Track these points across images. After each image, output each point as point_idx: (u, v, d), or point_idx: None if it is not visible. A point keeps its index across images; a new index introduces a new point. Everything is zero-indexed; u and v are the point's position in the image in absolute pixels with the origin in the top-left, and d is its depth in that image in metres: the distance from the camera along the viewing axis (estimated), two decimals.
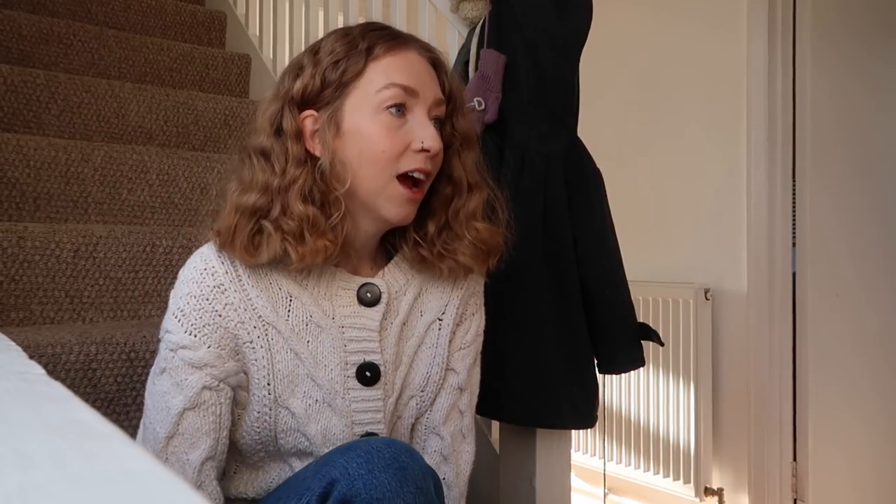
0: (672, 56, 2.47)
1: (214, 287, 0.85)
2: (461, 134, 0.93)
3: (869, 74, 2.48)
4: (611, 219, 1.22)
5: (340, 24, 1.87)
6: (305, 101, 0.87)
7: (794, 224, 2.30)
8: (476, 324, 1.00)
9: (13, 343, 0.62)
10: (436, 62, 0.91)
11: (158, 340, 0.88)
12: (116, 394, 1.18)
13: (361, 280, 0.91)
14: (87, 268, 1.35)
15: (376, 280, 0.92)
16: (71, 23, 2.01)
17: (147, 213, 1.62)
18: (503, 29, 1.23)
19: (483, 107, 1.20)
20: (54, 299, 1.32)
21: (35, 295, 1.30)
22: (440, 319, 0.96)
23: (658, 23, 2.52)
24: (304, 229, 0.82)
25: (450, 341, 0.97)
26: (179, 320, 0.85)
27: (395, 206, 0.87)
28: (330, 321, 0.88)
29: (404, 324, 0.93)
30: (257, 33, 2.36)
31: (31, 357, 0.52)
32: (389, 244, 0.96)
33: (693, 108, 2.42)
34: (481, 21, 1.28)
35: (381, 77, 0.86)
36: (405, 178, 0.86)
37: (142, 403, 1.20)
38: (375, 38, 0.88)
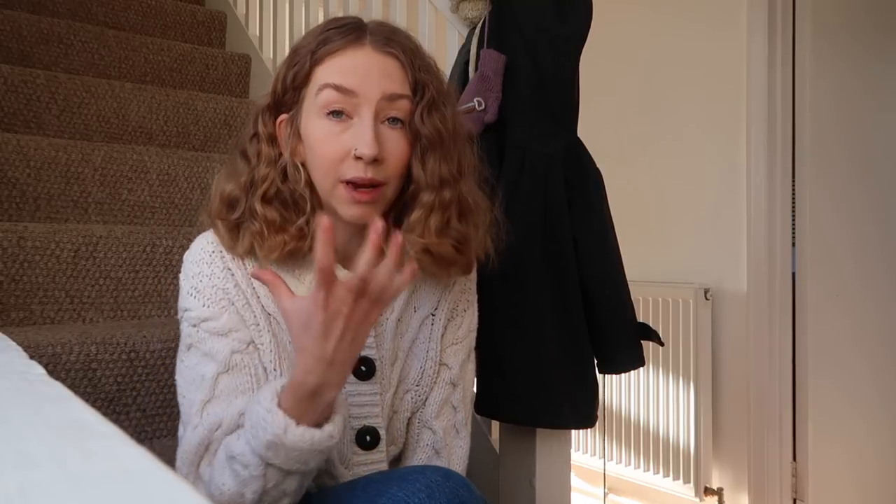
0: (672, 56, 2.47)
1: (224, 269, 0.88)
2: (424, 134, 0.87)
3: (869, 74, 2.48)
4: (611, 219, 1.22)
5: None
6: (278, 106, 0.89)
7: (793, 224, 2.30)
8: (468, 320, 1.01)
9: (13, 343, 0.62)
10: (398, 57, 0.86)
11: (180, 320, 0.90)
12: (116, 394, 1.18)
13: None
14: (88, 268, 1.35)
15: None
16: (71, 23, 2.02)
17: (147, 213, 1.62)
18: (503, 29, 1.23)
19: (483, 107, 1.20)
20: (54, 299, 1.32)
21: (35, 295, 1.30)
22: (433, 315, 0.97)
23: (658, 22, 2.52)
24: (264, 229, 0.85)
25: (442, 336, 0.97)
26: (195, 297, 0.87)
27: (345, 207, 0.86)
28: None
29: (399, 320, 0.94)
30: (257, 33, 2.36)
31: (31, 357, 0.52)
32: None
33: (693, 108, 2.42)
34: (481, 21, 1.28)
35: (321, 79, 0.85)
36: (349, 182, 0.84)
37: (142, 403, 1.21)
38: (325, 38, 0.86)
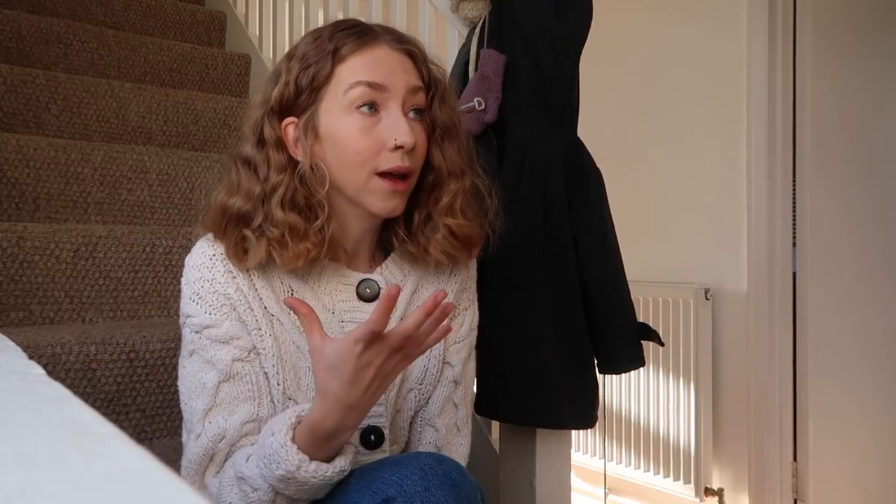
0: (672, 56, 2.47)
1: (225, 272, 0.87)
2: (442, 123, 0.91)
3: (869, 74, 2.48)
4: (611, 219, 1.22)
5: None
6: (284, 109, 0.88)
7: (794, 224, 2.30)
8: (469, 318, 1.02)
9: (13, 343, 0.62)
10: (411, 53, 0.90)
11: (182, 325, 0.90)
12: (116, 394, 1.18)
13: (361, 276, 0.93)
14: (87, 268, 1.35)
15: (374, 276, 0.94)
16: (71, 23, 2.01)
17: (147, 213, 1.62)
18: (503, 29, 1.23)
19: (483, 107, 1.20)
20: (54, 299, 1.32)
21: (35, 295, 1.30)
22: None
23: (658, 23, 2.52)
24: (286, 235, 0.84)
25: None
26: (197, 304, 0.87)
27: (380, 200, 0.87)
28: (330, 316, 0.90)
29: (402, 319, 0.94)
30: (257, 33, 2.36)
31: (30, 357, 0.52)
32: (387, 240, 0.97)
33: (693, 109, 2.42)
34: (481, 21, 1.28)
35: (348, 77, 0.86)
36: (386, 173, 0.86)
37: (142, 403, 1.21)
38: (342, 38, 0.88)
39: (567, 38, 1.21)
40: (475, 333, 1.03)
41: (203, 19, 2.47)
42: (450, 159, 0.92)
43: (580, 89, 1.24)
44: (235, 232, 0.86)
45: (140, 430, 1.21)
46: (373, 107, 0.86)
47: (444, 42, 1.48)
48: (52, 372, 1.09)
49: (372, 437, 0.92)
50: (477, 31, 1.28)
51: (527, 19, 1.21)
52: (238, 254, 0.86)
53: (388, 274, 0.95)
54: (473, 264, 1.05)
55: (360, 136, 0.85)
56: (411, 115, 0.88)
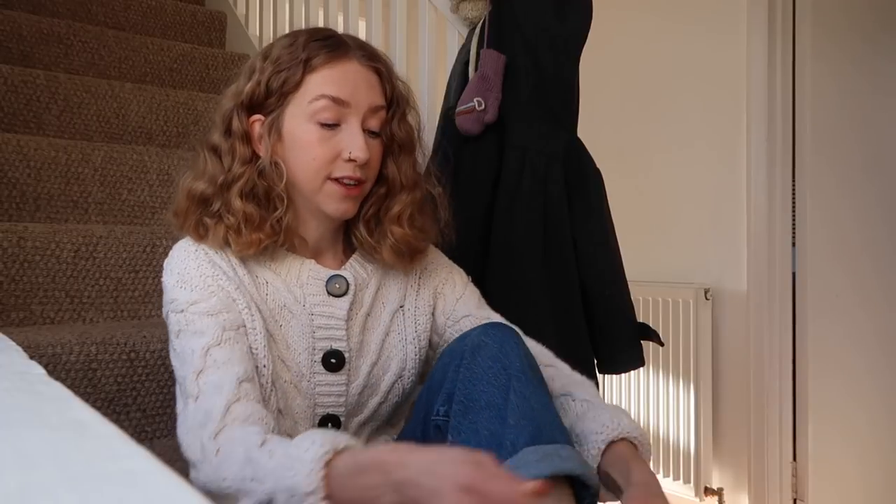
0: (672, 56, 2.47)
1: (209, 261, 0.91)
2: (399, 139, 0.97)
3: (871, 73, 2.48)
4: (611, 219, 1.22)
5: (340, 25, 1.87)
6: (253, 106, 0.93)
7: (793, 224, 2.30)
8: (455, 279, 1.06)
9: (13, 343, 0.62)
10: (378, 70, 0.95)
11: (166, 318, 0.91)
12: (116, 394, 1.18)
13: (330, 272, 0.97)
14: (88, 268, 1.35)
15: (343, 272, 0.98)
16: (71, 23, 2.02)
17: (147, 213, 1.62)
18: (503, 29, 1.23)
19: (483, 107, 1.20)
20: (54, 299, 1.32)
21: (35, 295, 1.30)
22: (402, 307, 1.01)
23: (658, 22, 2.52)
24: (242, 224, 0.89)
25: (433, 312, 1.03)
26: (182, 287, 0.89)
27: (333, 202, 0.92)
28: (300, 307, 0.94)
29: (368, 315, 0.98)
30: (257, 33, 2.36)
31: (31, 357, 0.52)
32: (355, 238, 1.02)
33: (693, 109, 2.42)
34: (481, 21, 1.28)
35: (315, 88, 0.91)
36: (339, 179, 0.92)
37: (142, 403, 1.21)
38: (316, 49, 0.92)
39: (567, 39, 1.21)
40: (472, 285, 1.07)
41: (203, 20, 2.47)
42: (404, 173, 0.98)
43: (580, 90, 1.24)
44: (199, 211, 0.91)
45: (140, 430, 1.21)
46: (333, 124, 0.91)
47: (444, 42, 1.48)
48: (53, 372, 1.09)
49: (329, 424, 0.95)
50: (477, 31, 1.29)
51: (527, 19, 1.21)
52: (199, 230, 0.91)
53: (353, 272, 0.99)
54: (431, 247, 1.06)
55: (318, 143, 0.90)
56: (367, 133, 0.93)
